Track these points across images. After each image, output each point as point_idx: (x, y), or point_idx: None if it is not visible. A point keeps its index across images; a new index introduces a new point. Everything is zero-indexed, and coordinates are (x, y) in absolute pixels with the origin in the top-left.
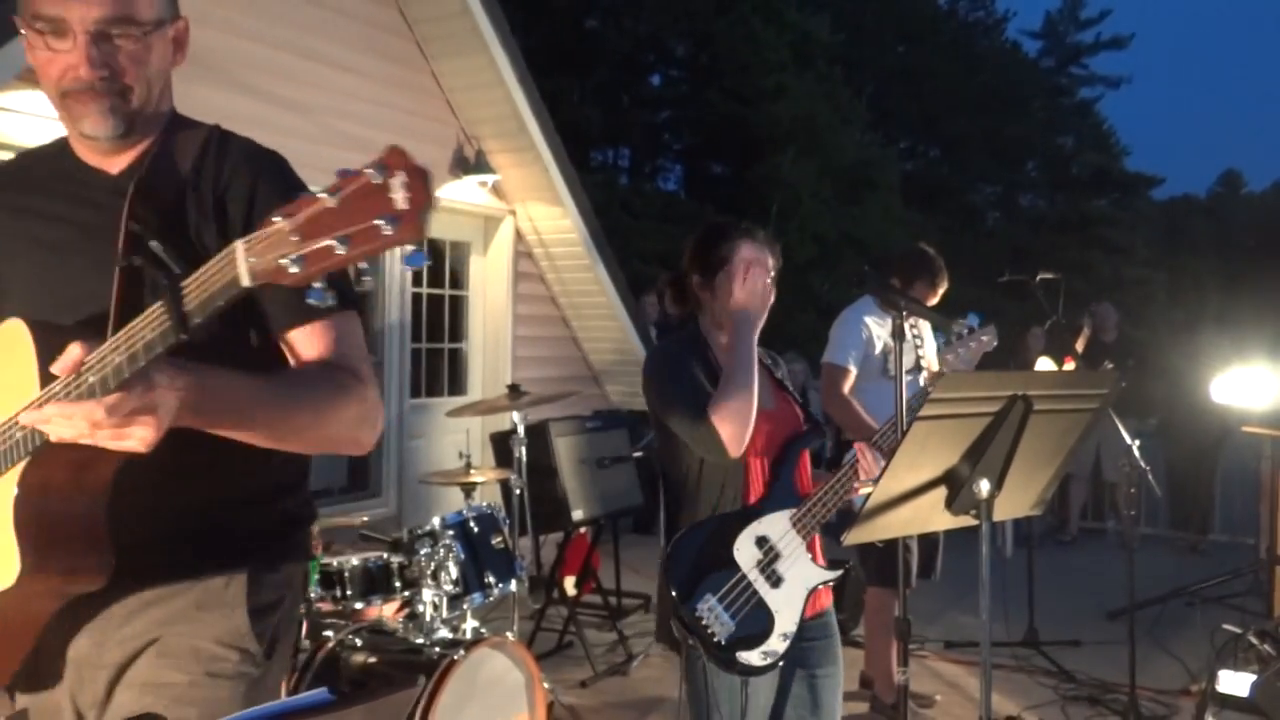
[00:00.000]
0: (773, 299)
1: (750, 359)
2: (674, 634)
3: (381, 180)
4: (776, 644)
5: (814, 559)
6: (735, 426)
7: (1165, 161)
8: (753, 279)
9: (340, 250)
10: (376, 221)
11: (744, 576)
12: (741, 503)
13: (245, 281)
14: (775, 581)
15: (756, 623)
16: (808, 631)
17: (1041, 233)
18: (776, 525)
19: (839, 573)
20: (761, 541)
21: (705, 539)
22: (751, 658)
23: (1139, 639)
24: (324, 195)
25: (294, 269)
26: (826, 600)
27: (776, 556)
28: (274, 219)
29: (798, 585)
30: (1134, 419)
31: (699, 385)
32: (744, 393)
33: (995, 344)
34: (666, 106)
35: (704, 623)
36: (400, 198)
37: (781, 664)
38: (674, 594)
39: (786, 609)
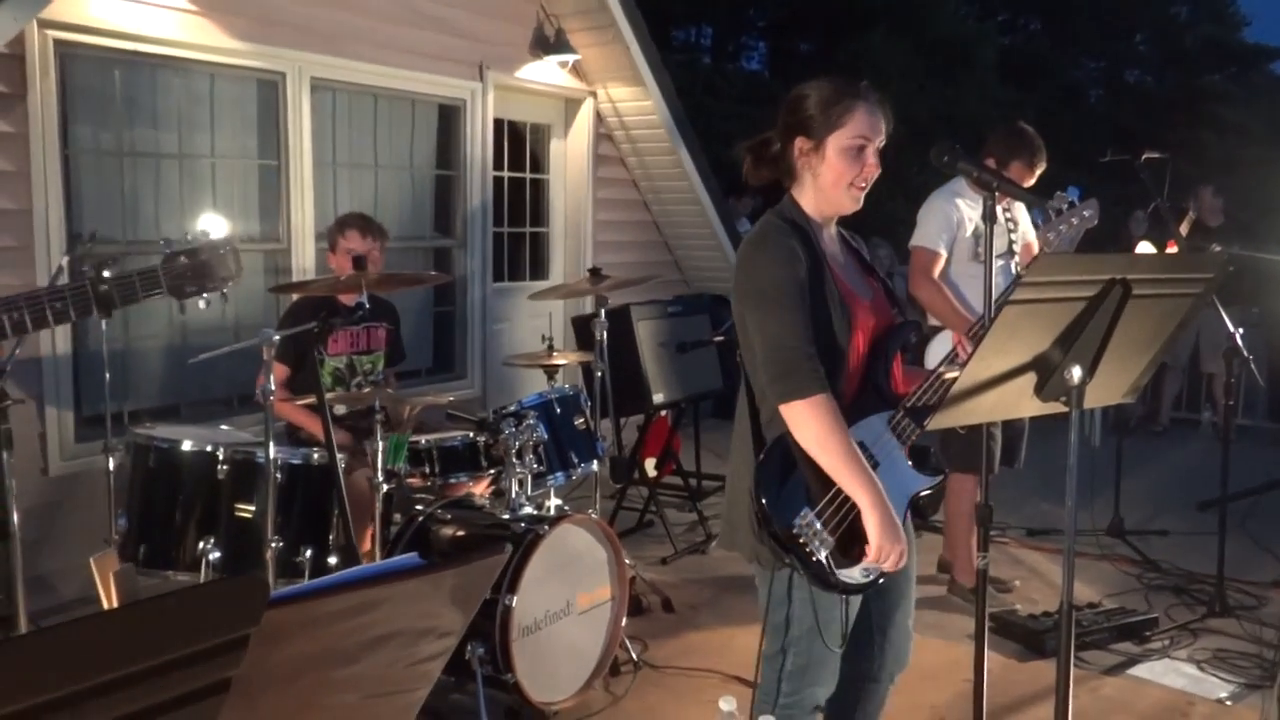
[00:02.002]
0: (878, 173)
1: (841, 474)
2: (745, 543)
3: None
4: None
5: (911, 465)
6: (803, 426)
7: None
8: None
9: None
10: None
11: (841, 489)
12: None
13: None
14: None
15: (856, 537)
16: None
17: (1148, 111)
18: (873, 429)
19: (939, 479)
20: (859, 448)
21: (799, 448)
22: (852, 574)
23: (1230, 531)
24: None
25: None
26: None
27: (875, 464)
28: None
29: (897, 494)
30: (1237, 307)
31: (803, 309)
32: (826, 455)
33: (1096, 221)
34: None
35: (801, 540)
36: None
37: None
38: (767, 511)
39: None
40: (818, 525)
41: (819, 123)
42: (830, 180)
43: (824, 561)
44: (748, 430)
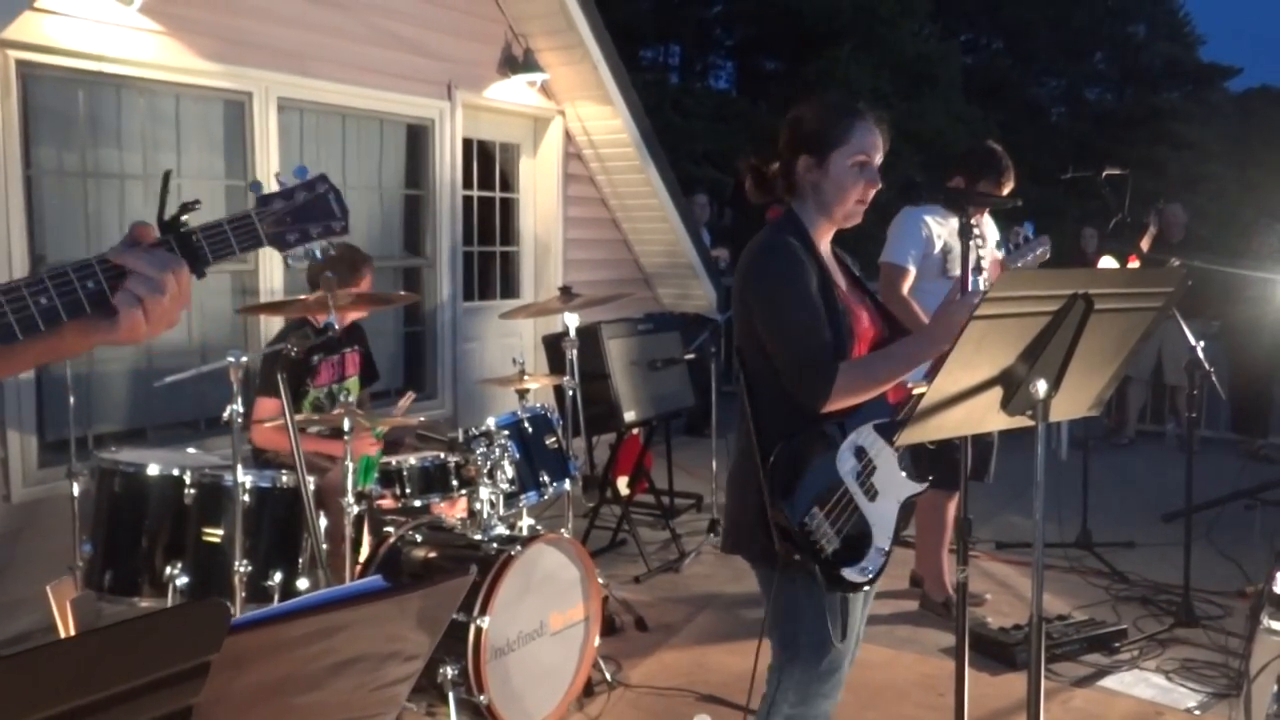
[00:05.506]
0: (879, 186)
1: (912, 362)
2: (752, 544)
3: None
4: (875, 559)
5: (904, 473)
6: (850, 396)
7: (1243, 51)
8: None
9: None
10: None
11: (846, 489)
12: (841, 412)
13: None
14: (872, 495)
15: (857, 537)
16: None
17: (1108, 128)
18: (871, 434)
19: (926, 485)
20: (860, 453)
21: (807, 450)
22: (852, 574)
23: (1195, 541)
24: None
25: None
26: None
27: (873, 469)
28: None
29: (892, 498)
30: (1198, 321)
31: (820, 312)
32: (885, 378)
33: (1048, 255)
34: (718, 0)
35: (812, 537)
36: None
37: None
38: (781, 506)
39: (882, 522)
40: (825, 524)
41: (821, 140)
42: (833, 196)
43: (831, 559)
44: (750, 431)
